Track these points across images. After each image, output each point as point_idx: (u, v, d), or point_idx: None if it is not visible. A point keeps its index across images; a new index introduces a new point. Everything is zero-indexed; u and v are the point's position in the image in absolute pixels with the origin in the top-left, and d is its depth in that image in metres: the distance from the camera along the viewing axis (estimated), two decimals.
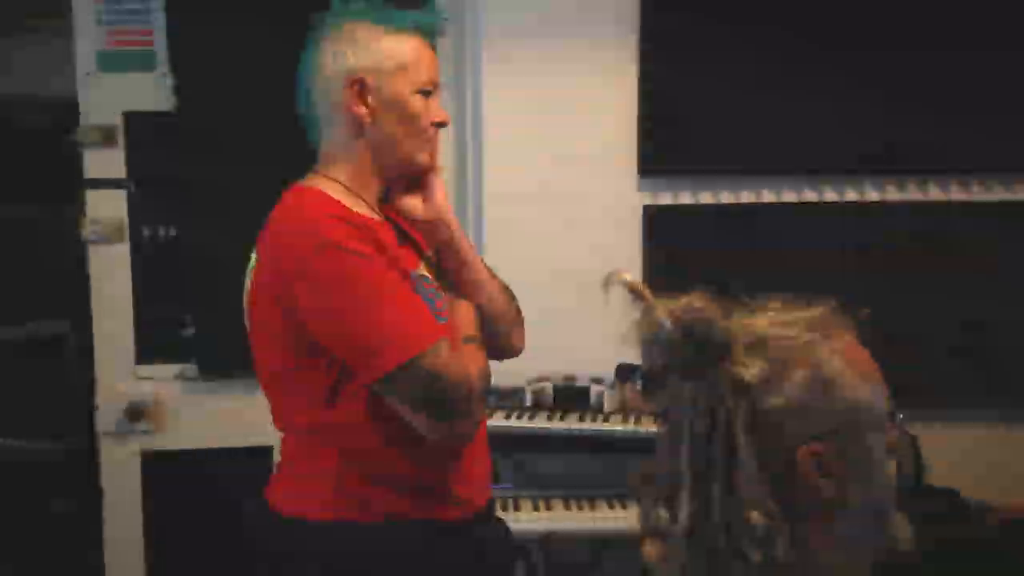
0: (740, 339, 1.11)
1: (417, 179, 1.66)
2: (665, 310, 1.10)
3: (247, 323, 1.64)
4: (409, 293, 1.52)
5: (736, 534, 1.03)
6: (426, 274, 1.65)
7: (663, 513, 1.06)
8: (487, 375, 1.57)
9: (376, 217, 1.61)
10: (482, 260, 1.72)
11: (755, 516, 1.03)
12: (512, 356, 1.75)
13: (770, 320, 1.16)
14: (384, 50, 1.58)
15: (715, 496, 1.04)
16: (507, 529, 1.80)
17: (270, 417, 1.68)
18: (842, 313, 1.18)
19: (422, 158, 1.63)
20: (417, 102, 1.59)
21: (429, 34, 1.65)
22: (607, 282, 1.14)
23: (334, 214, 1.52)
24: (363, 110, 1.58)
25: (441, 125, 1.64)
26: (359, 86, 1.57)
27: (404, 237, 1.67)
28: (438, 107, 1.64)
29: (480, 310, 1.66)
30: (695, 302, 1.09)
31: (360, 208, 1.58)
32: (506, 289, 1.75)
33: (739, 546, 1.03)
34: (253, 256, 1.64)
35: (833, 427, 1.12)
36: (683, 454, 1.06)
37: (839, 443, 1.12)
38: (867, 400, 1.17)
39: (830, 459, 1.09)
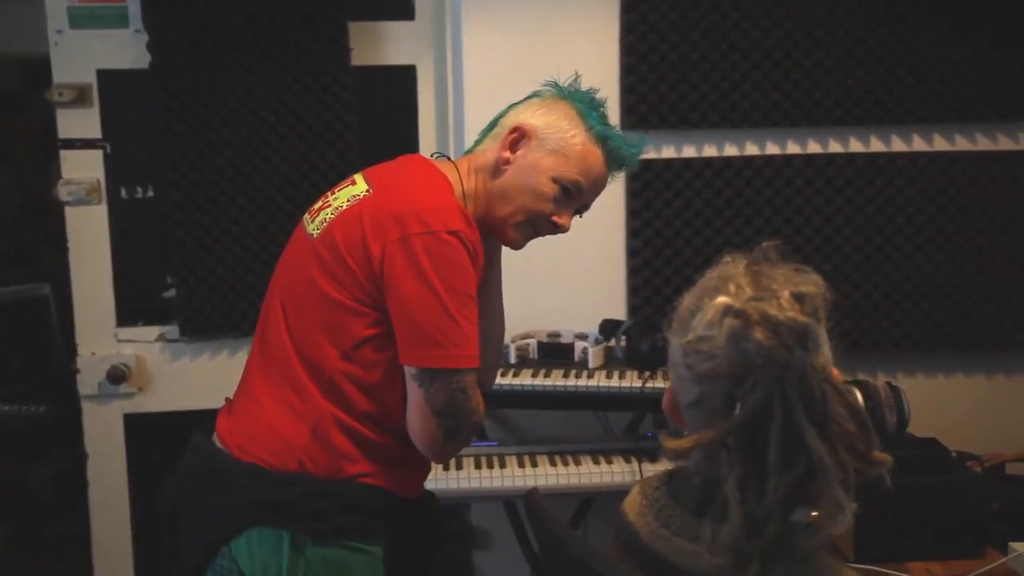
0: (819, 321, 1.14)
1: None
2: (762, 331, 1.10)
3: (315, 231, 1.61)
4: (476, 312, 1.57)
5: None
6: None
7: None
8: (484, 414, 1.64)
9: None
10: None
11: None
12: (483, 390, 1.75)
13: (804, 281, 1.17)
14: (564, 130, 1.65)
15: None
16: (443, 517, 1.92)
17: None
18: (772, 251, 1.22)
19: (513, 234, 1.69)
20: (550, 188, 1.64)
21: (611, 159, 1.69)
22: (708, 319, 1.15)
23: (466, 213, 1.56)
24: (507, 155, 1.66)
25: (558, 229, 1.69)
26: (519, 134, 1.65)
27: None
28: (567, 212, 1.69)
29: (484, 339, 1.68)
30: (783, 312, 1.11)
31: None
32: (503, 328, 1.84)
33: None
34: (361, 184, 1.63)
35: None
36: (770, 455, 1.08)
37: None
38: None
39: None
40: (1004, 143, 2.95)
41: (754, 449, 1.08)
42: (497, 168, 1.66)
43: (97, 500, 2.94)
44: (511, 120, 1.69)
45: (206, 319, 2.87)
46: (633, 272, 2.91)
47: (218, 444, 1.64)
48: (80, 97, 2.81)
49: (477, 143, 1.74)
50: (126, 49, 2.81)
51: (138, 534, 2.96)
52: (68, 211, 2.86)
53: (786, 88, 2.86)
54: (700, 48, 2.83)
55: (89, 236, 2.87)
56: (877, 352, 2.96)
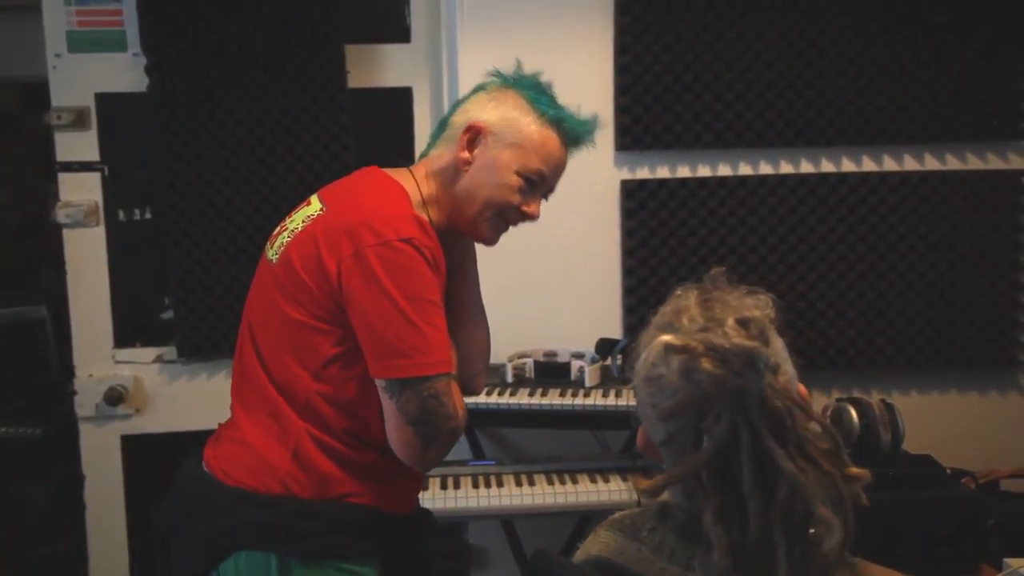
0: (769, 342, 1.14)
1: None
2: (710, 361, 1.10)
3: (273, 257, 1.62)
4: (444, 319, 1.56)
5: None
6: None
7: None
8: (467, 416, 1.61)
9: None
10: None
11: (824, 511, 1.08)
12: (470, 396, 1.77)
13: (750, 305, 1.18)
14: (518, 121, 1.63)
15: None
16: (438, 531, 1.91)
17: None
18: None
19: (485, 231, 1.68)
20: (514, 181, 1.63)
21: (568, 140, 1.67)
22: (653, 358, 1.15)
23: (421, 219, 1.55)
24: (466, 155, 1.64)
25: (527, 218, 1.68)
26: (474, 133, 1.63)
27: None
28: (535, 201, 1.68)
29: (463, 344, 1.70)
30: (728, 339, 1.11)
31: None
32: (488, 333, 1.82)
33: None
34: (315, 204, 1.63)
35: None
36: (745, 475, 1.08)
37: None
38: None
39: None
40: (994, 162, 2.98)
41: (728, 479, 1.08)
42: (457, 170, 1.64)
43: (94, 522, 2.94)
44: (462, 119, 1.66)
45: (203, 340, 2.88)
46: (628, 291, 2.93)
47: (205, 469, 1.64)
48: (79, 120, 2.83)
49: (430, 147, 1.72)
50: (124, 72, 2.83)
51: (135, 556, 2.95)
52: (66, 233, 2.87)
53: (779, 108, 2.89)
54: (694, 69, 2.86)
55: (87, 258, 2.88)
56: (871, 370, 2.98)
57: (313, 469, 1.55)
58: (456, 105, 1.71)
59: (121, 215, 2.90)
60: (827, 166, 2.96)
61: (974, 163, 2.98)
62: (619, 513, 1.29)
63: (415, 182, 1.65)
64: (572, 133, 1.67)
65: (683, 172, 2.93)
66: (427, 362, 1.50)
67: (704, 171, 2.93)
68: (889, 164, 2.97)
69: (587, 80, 2.87)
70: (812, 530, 1.08)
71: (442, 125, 1.71)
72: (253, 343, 1.62)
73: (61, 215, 2.85)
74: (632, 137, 2.88)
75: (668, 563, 1.17)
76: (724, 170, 2.94)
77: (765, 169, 2.95)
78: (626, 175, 2.92)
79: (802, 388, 1.17)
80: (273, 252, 1.63)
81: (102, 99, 2.84)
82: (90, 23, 2.82)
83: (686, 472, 1.11)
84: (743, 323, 1.12)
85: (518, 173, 1.63)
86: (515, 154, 1.63)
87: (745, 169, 2.94)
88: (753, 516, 1.07)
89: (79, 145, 2.85)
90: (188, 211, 2.83)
